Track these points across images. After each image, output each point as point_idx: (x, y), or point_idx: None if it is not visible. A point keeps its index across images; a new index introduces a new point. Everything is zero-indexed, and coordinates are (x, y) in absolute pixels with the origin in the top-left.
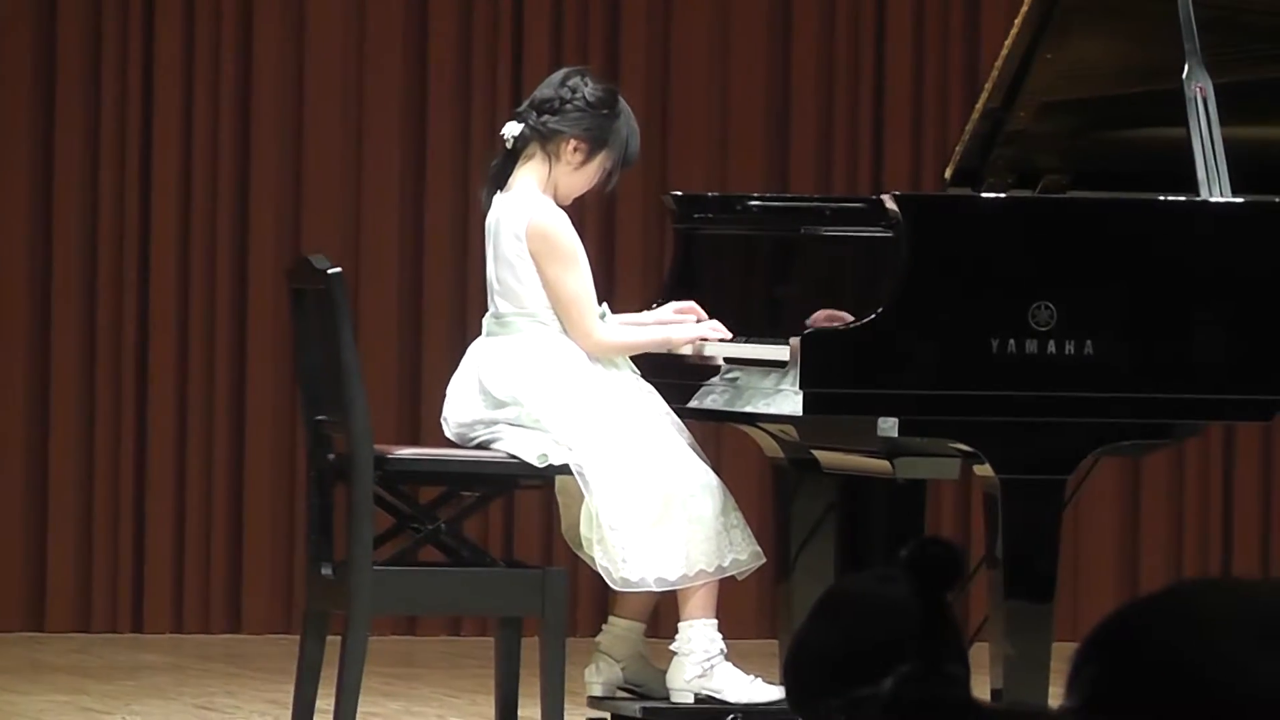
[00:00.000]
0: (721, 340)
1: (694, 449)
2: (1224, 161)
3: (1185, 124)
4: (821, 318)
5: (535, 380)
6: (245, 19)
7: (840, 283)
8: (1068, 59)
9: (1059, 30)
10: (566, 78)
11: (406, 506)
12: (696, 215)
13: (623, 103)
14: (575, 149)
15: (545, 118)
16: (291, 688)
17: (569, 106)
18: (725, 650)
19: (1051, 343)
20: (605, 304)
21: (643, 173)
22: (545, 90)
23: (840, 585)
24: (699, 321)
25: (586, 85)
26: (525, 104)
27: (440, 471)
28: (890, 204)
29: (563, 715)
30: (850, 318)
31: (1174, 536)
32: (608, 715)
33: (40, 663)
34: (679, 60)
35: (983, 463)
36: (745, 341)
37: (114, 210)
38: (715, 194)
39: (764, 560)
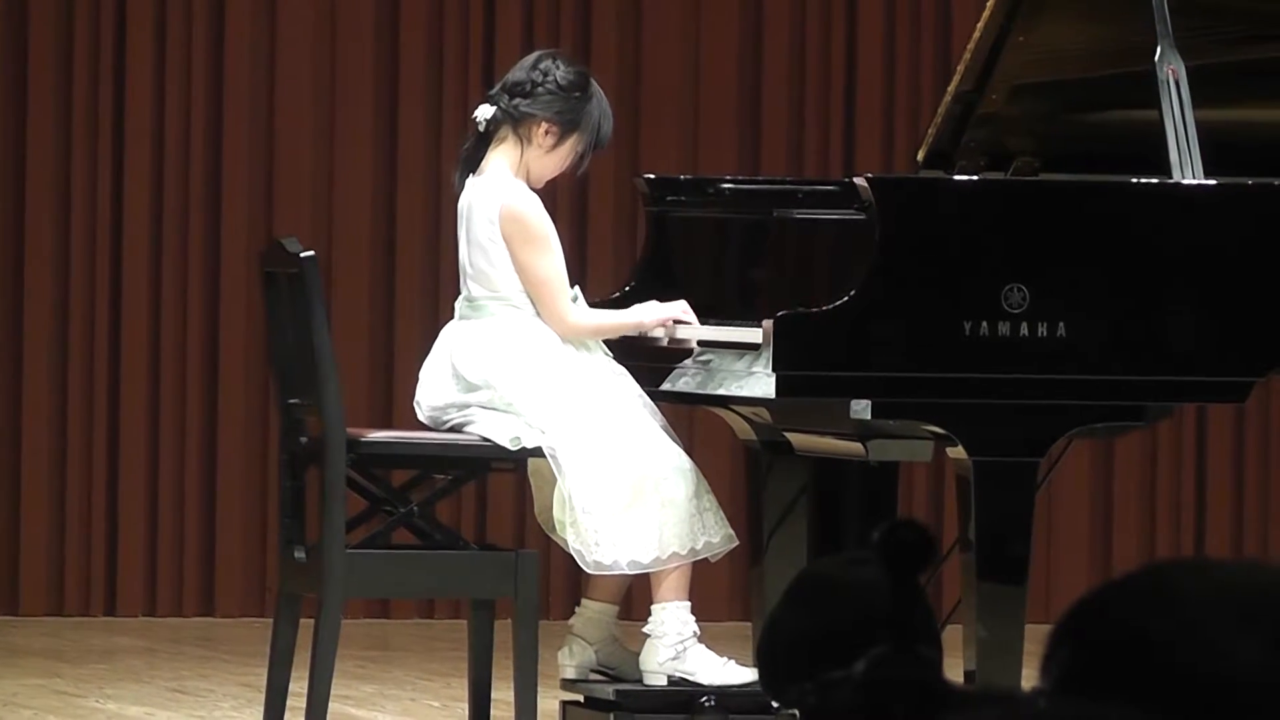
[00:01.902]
0: (693, 323)
1: (667, 432)
2: (1196, 144)
3: (1157, 106)
4: None
5: (508, 363)
6: (217, 2)
7: (812, 265)
8: (1040, 42)
9: (1031, 13)
10: (538, 60)
11: (379, 490)
12: (669, 198)
13: (595, 85)
14: (547, 132)
15: (517, 101)
16: (264, 671)
17: (541, 89)
18: (698, 633)
19: (1024, 325)
20: (578, 287)
21: (615, 155)
22: (517, 73)
23: (813, 568)
24: (670, 303)
25: (558, 68)
26: (497, 87)
27: (413, 455)
28: (862, 186)
29: (536, 698)
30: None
31: (1147, 518)
32: (581, 698)
33: (13, 646)
34: (651, 43)
35: (955, 445)
36: (718, 324)
37: (86, 193)
38: (687, 177)
39: (736, 543)
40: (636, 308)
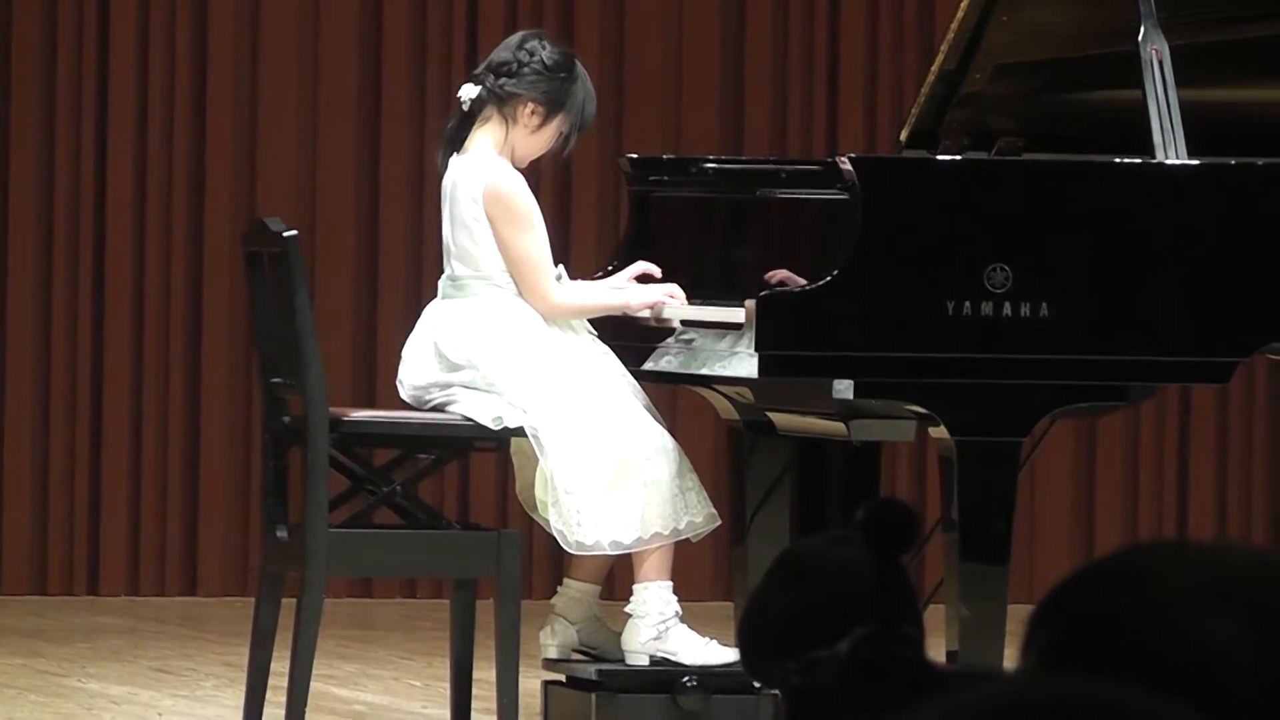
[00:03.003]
0: (680, 302)
1: (650, 411)
2: (1179, 124)
3: (1141, 86)
4: (780, 276)
5: (490, 343)
6: None
7: (796, 245)
8: (1023, 21)
9: None
10: (524, 41)
11: (362, 469)
12: (651, 178)
13: (579, 66)
14: (532, 112)
15: (502, 80)
16: (247, 650)
17: (526, 69)
18: (680, 613)
19: (1007, 305)
20: (561, 266)
21: (598, 135)
22: (502, 53)
23: (795, 547)
24: (657, 284)
25: (544, 48)
26: (482, 66)
27: (395, 434)
28: (845, 166)
29: (518, 677)
30: (804, 281)
31: (1129, 499)
32: (563, 677)
33: None
34: (633, 23)
35: (938, 425)
36: (701, 304)
37: (69, 174)
38: (670, 156)
39: (719, 523)
40: (623, 288)
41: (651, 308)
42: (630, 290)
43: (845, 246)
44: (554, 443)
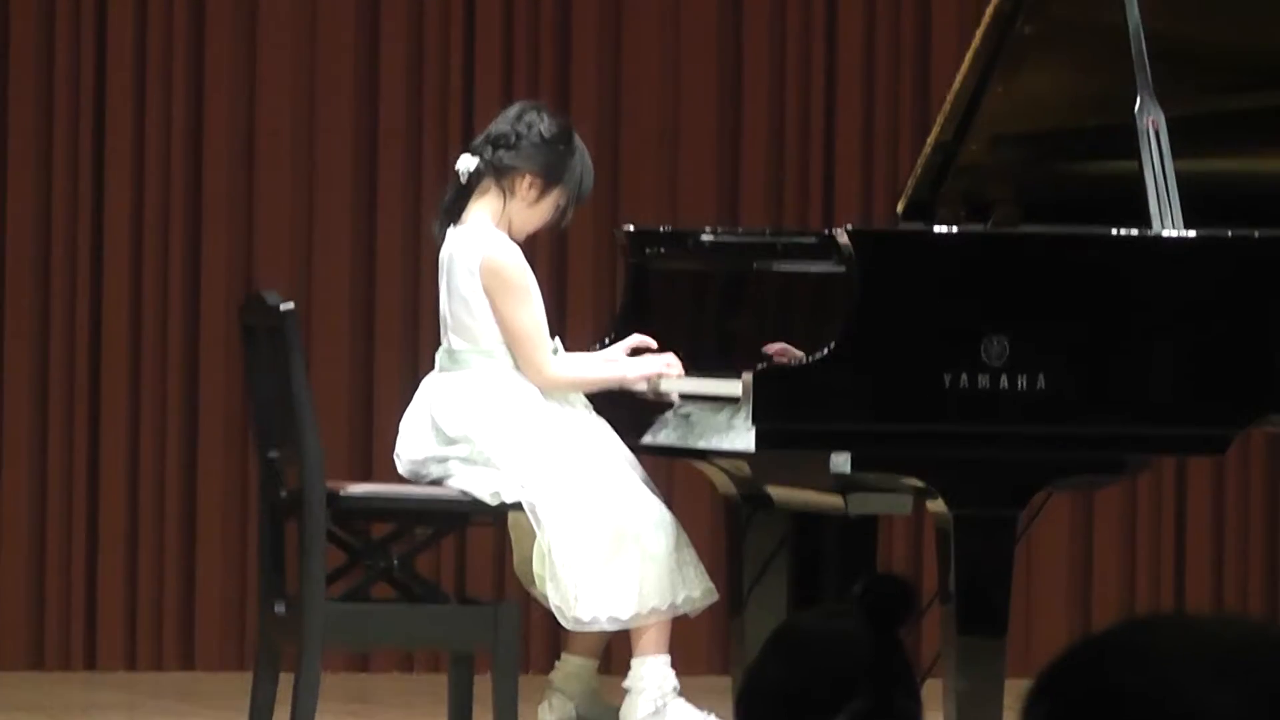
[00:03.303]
0: (675, 376)
1: (647, 485)
2: (1176, 194)
3: (1137, 156)
4: (777, 349)
5: (487, 417)
6: (197, 54)
7: (793, 317)
8: (1019, 91)
9: (1010, 62)
10: (522, 113)
11: (359, 542)
12: (648, 250)
13: (578, 139)
14: (530, 184)
15: (501, 152)
16: None
17: (524, 142)
18: (678, 687)
19: (1004, 377)
20: (558, 338)
21: (594, 207)
22: (501, 125)
23: (792, 621)
24: (654, 356)
25: (542, 121)
26: (480, 138)
27: (393, 508)
28: (842, 238)
29: None
30: (801, 354)
31: (1127, 571)
32: None
33: None
34: (629, 93)
35: (935, 497)
36: (698, 376)
37: (66, 245)
38: (667, 229)
39: (717, 597)
40: (620, 361)
41: (648, 379)
42: (627, 363)
43: (842, 319)
44: (551, 517)
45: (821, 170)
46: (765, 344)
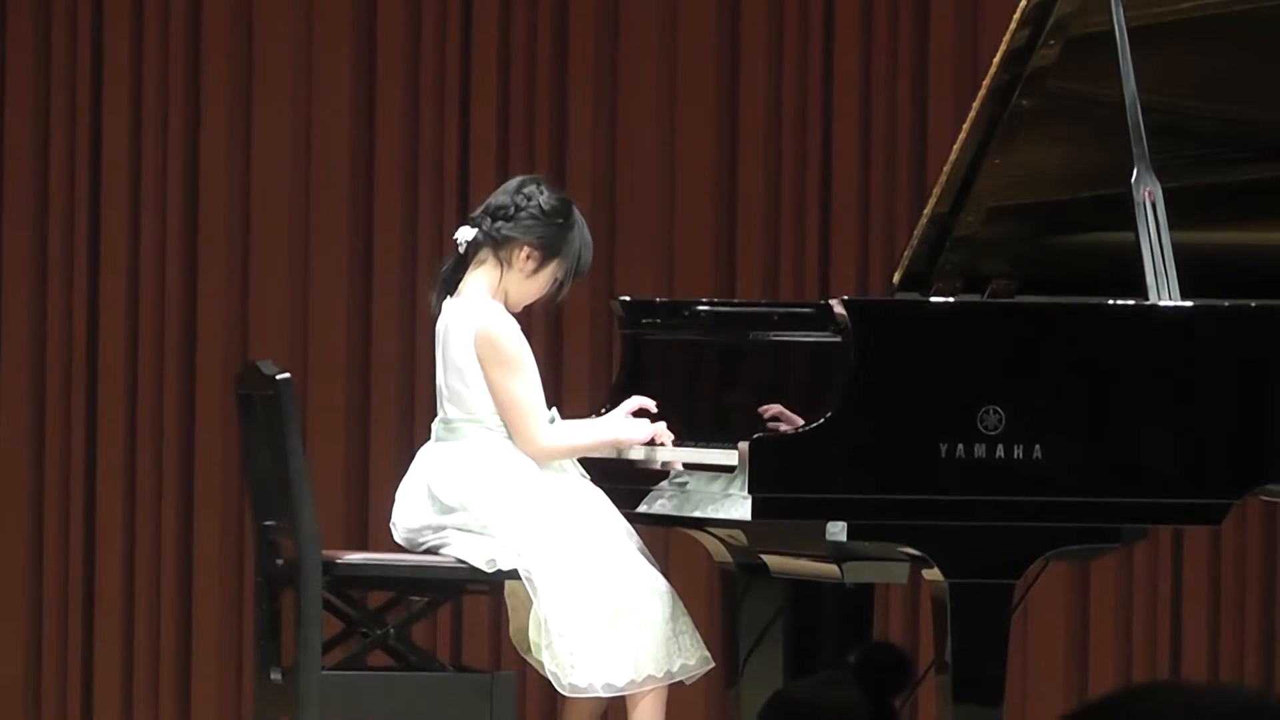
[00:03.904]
0: (669, 444)
1: (643, 553)
2: (1173, 266)
3: (1134, 228)
4: (774, 411)
5: (483, 486)
6: (192, 119)
7: (789, 387)
8: (1016, 164)
9: (1007, 135)
10: (522, 185)
11: (355, 611)
12: (644, 320)
13: (577, 213)
14: (528, 256)
15: (499, 224)
16: None
17: (523, 214)
18: None
19: (1000, 447)
20: (555, 409)
21: (591, 279)
22: (500, 197)
23: (788, 690)
24: (648, 422)
25: (542, 193)
26: (479, 210)
27: (389, 576)
28: (838, 309)
29: None
30: (800, 421)
31: (1123, 639)
32: None
33: None
34: (625, 165)
35: (931, 567)
36: (694, 446)
37: (61, 316)
38: (663, 299)
39: (713, 665)
40: (611, 422)
41: (642, 446)
42: (621, 427)
43: (838, 389)
44: (548, 585)
45: (818, 242)
46: (761, 413)
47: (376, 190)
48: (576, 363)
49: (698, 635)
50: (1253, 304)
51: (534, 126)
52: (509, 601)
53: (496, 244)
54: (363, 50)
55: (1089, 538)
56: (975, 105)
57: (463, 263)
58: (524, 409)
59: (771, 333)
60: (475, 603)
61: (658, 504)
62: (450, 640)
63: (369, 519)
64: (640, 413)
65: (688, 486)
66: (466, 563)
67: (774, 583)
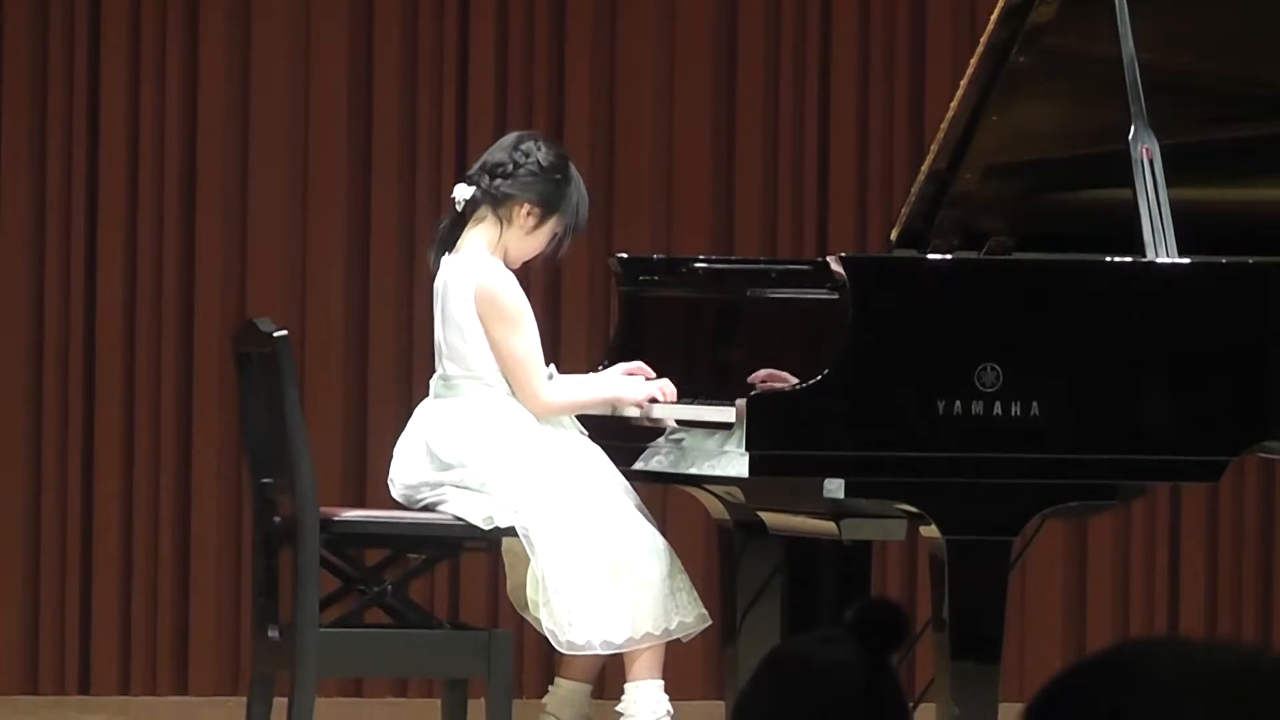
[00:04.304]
0: (669, 401)
1: (641, 511)
2: (1170, 223)
3: (1131, 186)
4: (762, 376)
5: (481, 443)
6: (190, 80)
7: (786, 344)
8: (1013, 121)
9: (1005, 92)
10: (519, 142)
11: (352, 569)
12: (642, 277)
13: (574, 169)
14: (528, 213)
15: (498, 181)
16: None
17: (521, 170)
18: (671, 712)
19: (997, 404)
20: (553, 365)
21: (588, 235)
22: (498, 154)
23: (784, 647)
24: (650, 380)
25: (540, 150)
26: (476, 167)
27: (386, 534)
28: (835, 266)
29: None
30: (792, 378)
31: (1120, 596)
32: None
33: None
34: (624, 122)
35: (929, 524)
36: (691, 403)
37: (59, 275)
38: (661, 256)
39: (710, 622)
40: (611, 379)
41: (640, 405)
42: (621, 382)
43: (835, 346)
44: (545, 543)
45: (816, 199)
46: (759, 370)
47: (374, 149)
48: (574, 320)
49: (695, 592)
50: (1250, 261)
51: (532, 83)
52: (506, 559)
53: (495, 201)
54: (360, 9)
55: (1086, 495)
56: (973, 62)
57: (461, 220)
58: (525, 364)
59: (769, 290)
60: (473, 560)
61: (655, 461)
62: (448, 598)
63: (366, 476)
64: (635, 375)
65: (685, 443)
66: (464, 520)
67: (771, 540)
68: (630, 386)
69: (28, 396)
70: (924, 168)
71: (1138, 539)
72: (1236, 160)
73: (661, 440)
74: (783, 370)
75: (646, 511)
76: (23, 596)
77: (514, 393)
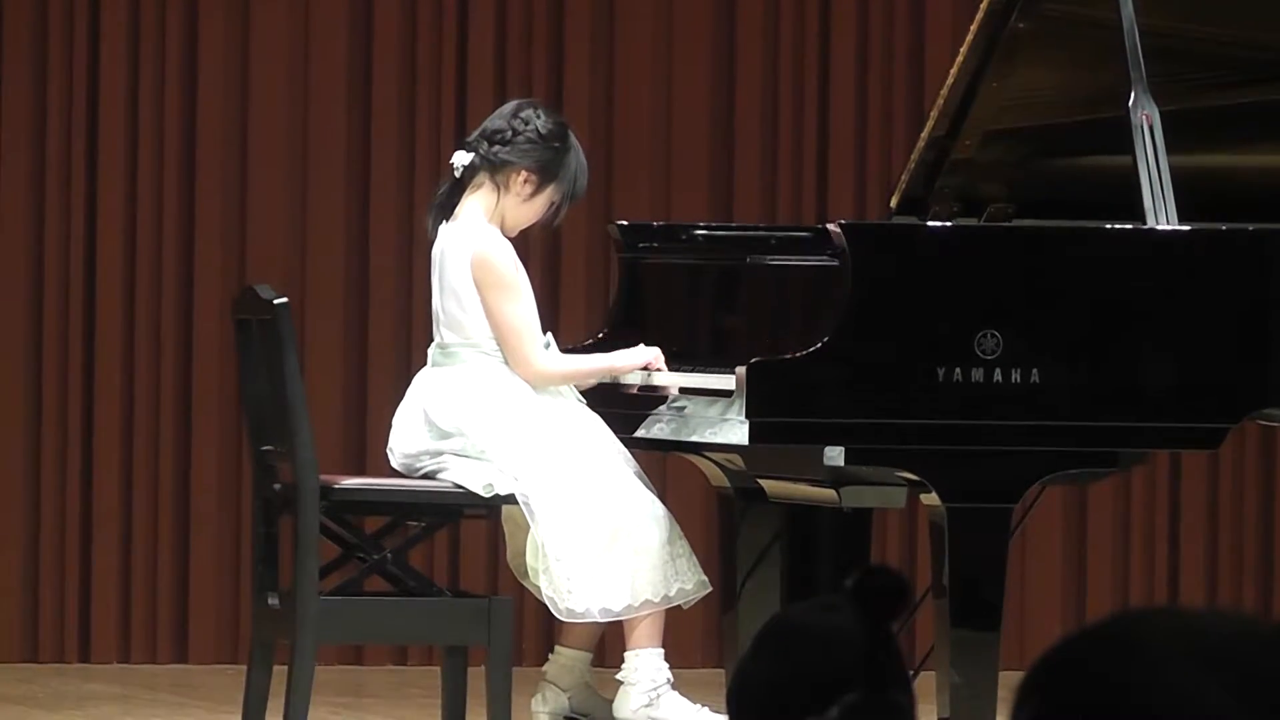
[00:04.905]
0: (664, 369)
1: (640, 478)
2: (1170, 189)
3: (1131, 152)
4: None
5: (480, 411)
6: (189, 49)
7: (786, 312)
8: (1013, 87)
9: (1004, 58)
10: (518, 109)
11: (352, 536)
12: (641, 245)
13: (573, 137)
14: (525, 180)
15: (496, 148)
16: (239, 717)
17: (520, 138)
18: (671, 679)
19: (997, 371)
20: (550, 334)
21: (587, 202)
22: (497, 121)
23: (784, 614)
24: (643, 347)
25: (539, 117)
26: (475, 134)
27: (386, 501)
28: (835, 232)
29: None
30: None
31: (1120, 564)
32: None
33: None
34: (623, 90)
35: (929, 491)
36: (691, 371)
37: (59, 242)
38: (660, 223)
39: (710, 589)
40: (609, 354)
41: (643, 368)
42: (617, 354)
43: (835, 313)
44: (545, 510)
45: (815, 167)
46: (759, 337)
47: (373, 116)
48: (573, 287)
49: (695, 560)
50: (1250, 227)
51: (531, 50)
52: (506, 526)
53: (493, 168)
54: None
55: (1087, 462)
56: (973, 28)
57: (459, 187)
58: (520, 332)
59: (769, 257)
60: (472, 528)
61: (655, 428)
62: (447, 565)
63: (366, 444)
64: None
65: (685, 411)
66: (464, 488)
67: (771, 507)
68: (625, 356)
69: (27, 365)
70: (924, 134)
71: (1138, 507)
72: (1237, 126)
73: (662, 408)
74: (782, 337)
75: (646, 479)
76: (23, 564)
77: (508, 360)
